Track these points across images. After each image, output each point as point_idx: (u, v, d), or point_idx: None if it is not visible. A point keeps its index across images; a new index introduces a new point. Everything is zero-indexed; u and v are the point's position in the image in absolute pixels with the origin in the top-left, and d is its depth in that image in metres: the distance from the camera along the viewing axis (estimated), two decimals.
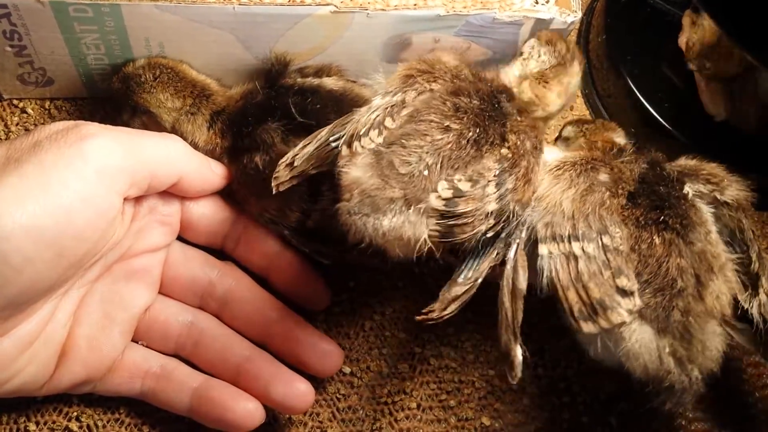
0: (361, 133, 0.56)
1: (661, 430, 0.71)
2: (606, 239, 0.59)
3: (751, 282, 0.62)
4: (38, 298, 0.55)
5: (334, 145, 0.59)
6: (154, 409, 0.65)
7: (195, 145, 0.67)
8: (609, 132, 0.70)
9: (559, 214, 0.59)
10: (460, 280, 0.58)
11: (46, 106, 0.76)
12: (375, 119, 0.57)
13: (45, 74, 0.72)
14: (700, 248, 0.60)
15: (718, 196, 0.63)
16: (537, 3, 0.74)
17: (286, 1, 0.66)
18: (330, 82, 0.69)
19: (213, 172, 0.65)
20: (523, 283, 0.58)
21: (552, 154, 0.65)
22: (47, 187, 0.51)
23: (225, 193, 0.68)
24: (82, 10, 0.64)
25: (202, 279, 0.66)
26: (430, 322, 0.56)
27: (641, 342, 0.58)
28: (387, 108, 0.57)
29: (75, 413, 0.65)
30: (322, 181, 0.63)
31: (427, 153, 0.55)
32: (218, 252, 0.68)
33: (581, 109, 0.88)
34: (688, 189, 0.63)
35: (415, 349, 0.72)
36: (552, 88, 0.63)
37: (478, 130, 0.57)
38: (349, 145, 0.56)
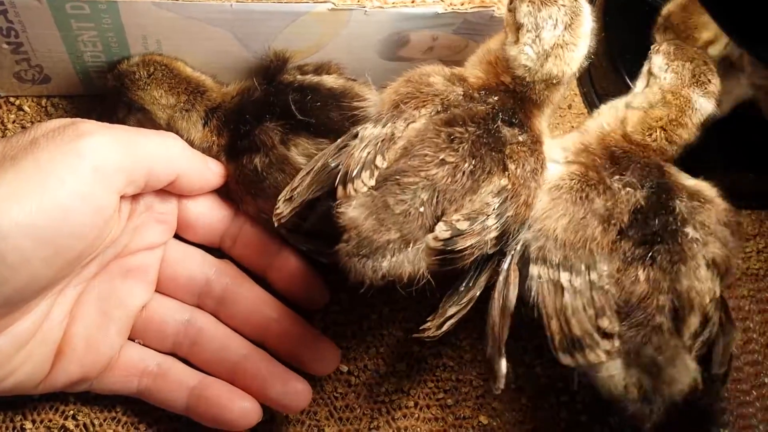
0: (353, 175, 0.55)
1: (659, 430, 0.71)
2: (593, 276, 0.58)
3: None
4: (34, 296, 0.55)
5: (333, 165, 0.58)
6: (151, 407, 0.64)
7: (191, 143, 0.67)
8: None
9: (552, 240, 0.59)
10: (461, 289, 0.58)
11: (43, 104, 0.75)
12: (366, 158, 0.56)
13: (42, 71, 0.72)
14: (686, 286, 0.59)
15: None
16: None
17: None
18: (330, 80, 0.69)
19: (210, 171, 0.65)
20: (512, 300, 0.58)
21: (552, 167, 0.63)
22: (44, 185, 0.51)
23: (222, 192, 0.68)
24: (79, 7, 0.63)
25: (199, 277, 0.65)
26: (428, 339, 0.57)
27: (609, 373, 0.58)
28: (377, 144, 0.56)
29: (71, 411, 0.65)
30: None
31: (422, 189, 0.54)
32: (216, 250, 0.68)
33: (579, 107, 0.87)
34: (689, 230, 0.61)
35: (412, 347, 0.71)
36: (575, 47, 0.60)
37: (474, 161, 0.55)
38: (344, 185, 0.55)
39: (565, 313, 0.58)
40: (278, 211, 0.59)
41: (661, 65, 0.66)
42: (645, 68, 0.68)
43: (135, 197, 0.61)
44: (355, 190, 0.54)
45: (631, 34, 0.85)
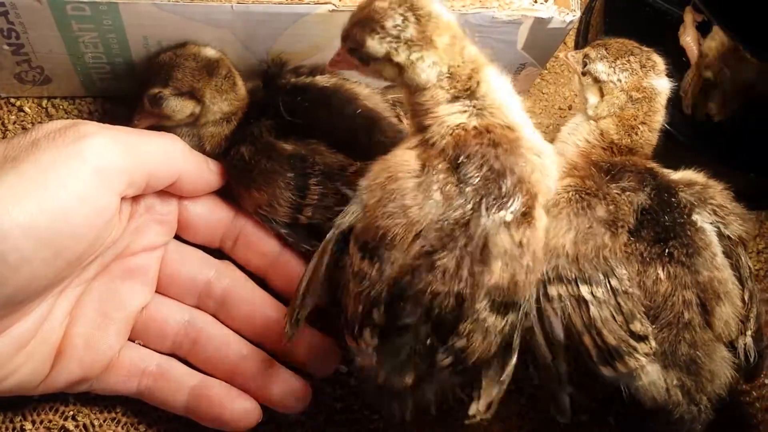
0: (356, 331, 0.55)
1: (659, 430, 0.71)
2: (614, 282, 0.58)
3: (741, 320, 0.61)
4: (35, 297, 0.55)
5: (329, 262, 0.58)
6: (150, 408, 0.65)
7: (202, 149, 0.67)
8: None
9: (564, 257, 0.58)
10: (496, 365, 0.57)
11: (44, 105, 0.76)
12: (363, 311, 0.54)
13: (42, 73, 0.72)
14: (706, 277, 0.59)
15: (722, 229, 0.62)
16: (536, 2, 0.74)
17: (284, 0, 0.66)
18: (322, 80, 0.69)
19: (211, 172, 0.65)
20: (560, 334, 0.57)
21: None
22: (45, 186, 0.51)
23: (223, 193, 0.67)
24: (79, 9, 0.63)
25: (199, 278, 0.65)
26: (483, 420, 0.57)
27: (650, 379, 0.58)
28: (371, 293, 0.54)
29: (71, 412, 0.65)
30: (310, 175, 0.64)
31: (422, 325, 0.53)
32: (216, 251, 0.68)
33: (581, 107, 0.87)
34: (697, 218, 0.62)
35: None
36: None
37: (461, 280, 0.52)
38: (351, 334, 0.55)
39: (596, 326, 0.57)
40: (288, 333, 0.58)
41: (606, 71, 0.66)
42: (585, 81, 0.68)
43: (136, 198, 0.61)
44: (365, 344, 0.55)
45: (632, 35, 0.85)
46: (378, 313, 0.54)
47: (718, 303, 0.59)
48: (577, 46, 0.89)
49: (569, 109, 0.87)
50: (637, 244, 0.60)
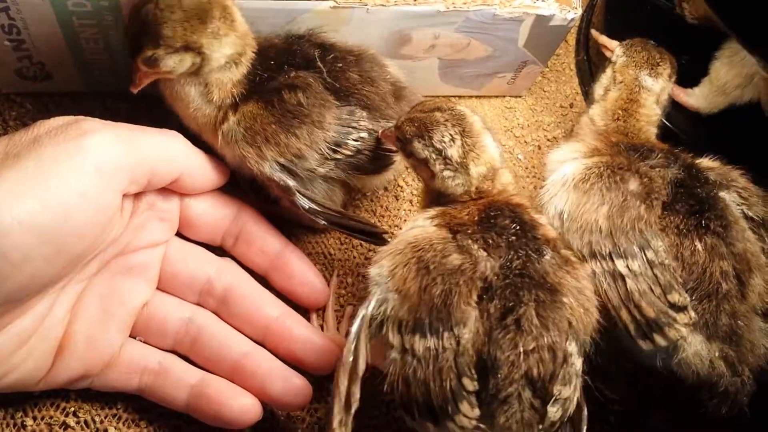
0: (448, 410, 0.52)
1: (658, 427, 0.71)
2: (650, 254, 0.58)
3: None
4: (36, 293, 0.55)
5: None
6: (151, 404, 0.65)
7: (210, 98, 0.64)
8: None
9: (597, 233, 0.59)
10: None
11: (45, 101, 0.75)
12: (448, 392, 0.52)
13: (43, 69, 0.72)
14: (740, 248, 0.60)
15: (746, 210, 0.63)
16: None
17: None
18: (343, 42, 0.68)
19: (213, 169, 0.65)
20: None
21: (568, 164, 0.63)
22: (46, 183, 0.51)
23: (225, 190, 0.68)
24: (80, 5, 0.64)
25: (200, 276, 0.65)
26: None
27: (693, 350, 0.58)
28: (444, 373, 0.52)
29: (72, 408, 0.65)
30: (354, 130, 0.65)
31: (524, 391, 0.51)
32: (217, 249, 0.68)
33: (581, 106, 0.87)
34: (724, 195, 0.63)
35: None
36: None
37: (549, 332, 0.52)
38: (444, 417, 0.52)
39: (633, 299, 0.58)
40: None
41: (618, 53, 0.70)
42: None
43: (137, 195, 0.61)
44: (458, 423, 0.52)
45: (633, 33, 0.85)
46: (469, 381, 0.51)
47: (751, 275, 0.60)
48: (579, 44, 0.89)
49: (570, 107, 0.87)
50: (672, 217, 0.60)
